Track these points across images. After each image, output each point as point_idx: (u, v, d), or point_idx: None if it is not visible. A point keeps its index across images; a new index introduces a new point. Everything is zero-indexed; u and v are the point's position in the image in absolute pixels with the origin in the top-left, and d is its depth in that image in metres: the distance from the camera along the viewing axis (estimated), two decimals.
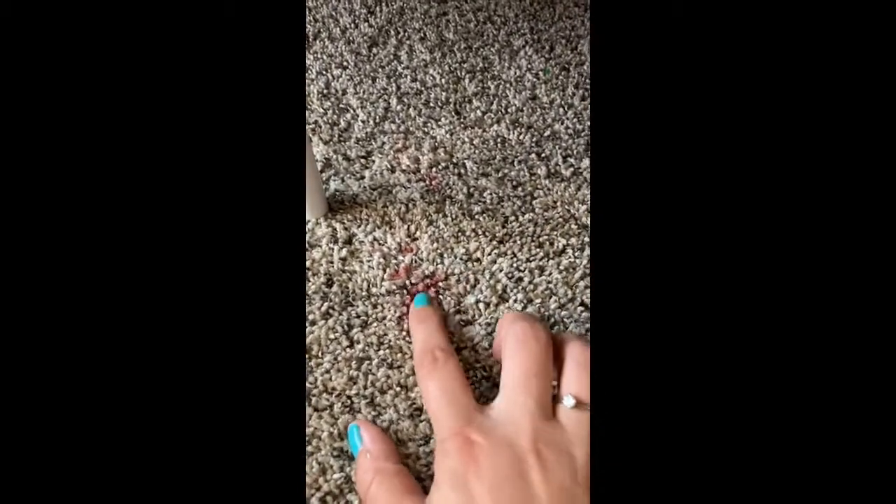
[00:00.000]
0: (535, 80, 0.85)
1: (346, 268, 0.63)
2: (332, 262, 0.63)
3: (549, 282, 0.62)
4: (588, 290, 0.61)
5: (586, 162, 0.74)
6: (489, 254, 0.64)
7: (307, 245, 0.65)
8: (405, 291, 0.61)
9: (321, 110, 0.80)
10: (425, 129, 0.78)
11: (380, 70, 0.87)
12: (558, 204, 0.69)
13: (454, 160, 0.74)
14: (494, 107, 0.81)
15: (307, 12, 0.96)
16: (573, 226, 0.67)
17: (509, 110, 0.81)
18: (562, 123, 0.79)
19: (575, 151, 0.75)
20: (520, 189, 0.71)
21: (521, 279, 0.62)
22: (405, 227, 0.67)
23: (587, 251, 0.64)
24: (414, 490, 0.38)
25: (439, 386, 0.42)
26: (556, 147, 0.76)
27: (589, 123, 0.79)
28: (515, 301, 0.60)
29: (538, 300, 0.60)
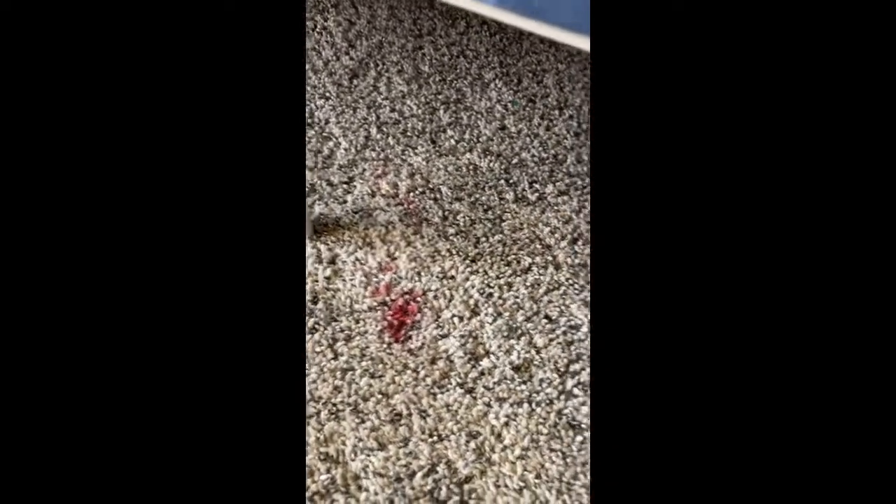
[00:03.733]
0: (504, 111, 0.92)
1: (331, 286, 0.68)
2: (317, 281, 0.69)
3: (517, 297, 0.68)
4: (551, 304, 0.68)
5: (550, 187, 0.81)
6: (462, 272, 0.70)
7: None
8: (386, 307, 0.66)
9: (306, 139, 0.86)
10: (403, 157, 0.85)
11: (360, 101, 0.93)
12: (525, 226, 0.76)
13: (430, 186, 0.81)
14: (467, 136, 0.88)
15: None
16: (538, 245, 0.73)
17: (480, 139, 0.88)
18: (528, 152, 0.86)
19: (540, 177, 0.82)
20: (490, 212, 0.77)
21: (491, 294, 0.68)
22: (385, 247, 0.72)
23: (550, 269, 0.71)
24: None
25: None
26: (523, 174, 0.83)
27: (553, 152, 0.86)
28: (486, 314, 0.66)
29: (507, 314, 0.66)
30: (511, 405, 0.59)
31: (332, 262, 0.71)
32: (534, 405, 0.59)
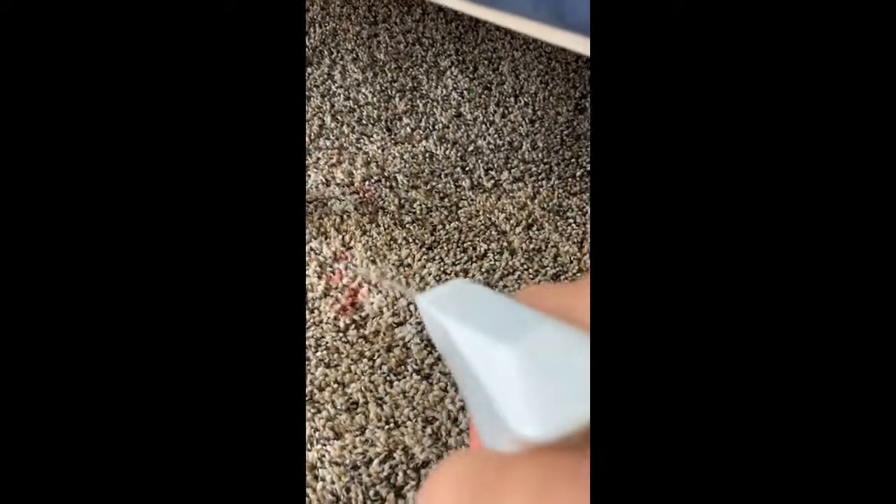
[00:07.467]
0: (460, 98, 0.92)
1: None
2: None
3: None
4: (506, 289, 0.68)
5: (506, 174, 0.81)
6: (419, 259, 0.70)
7: None
8: (340, 294, 0.66)
9: (306, 137, 0.84)
10: (358, 145, 0.84)
11: (314, 89, 0.91)
12: (480, 213, 0.76)
13: (386, 174, 0.80)
14: (423, 124, 0.87)
15: None
16: (493, 232, 0.74)
17: (436, 127, 0.87)
18: (484, 139, 0.86)
19: (496, 164, 0.83)
20: (446, 200, 0.77)
21: (447, 281, 0.68)
22: (340, 236, 0.71)
23: (505, 254, 0.71)
24: None
25: None
26: (479, 161, 0.83)
27: (509, 139, 0.87)
28: None
29: None
30: None
31: None
32: None
